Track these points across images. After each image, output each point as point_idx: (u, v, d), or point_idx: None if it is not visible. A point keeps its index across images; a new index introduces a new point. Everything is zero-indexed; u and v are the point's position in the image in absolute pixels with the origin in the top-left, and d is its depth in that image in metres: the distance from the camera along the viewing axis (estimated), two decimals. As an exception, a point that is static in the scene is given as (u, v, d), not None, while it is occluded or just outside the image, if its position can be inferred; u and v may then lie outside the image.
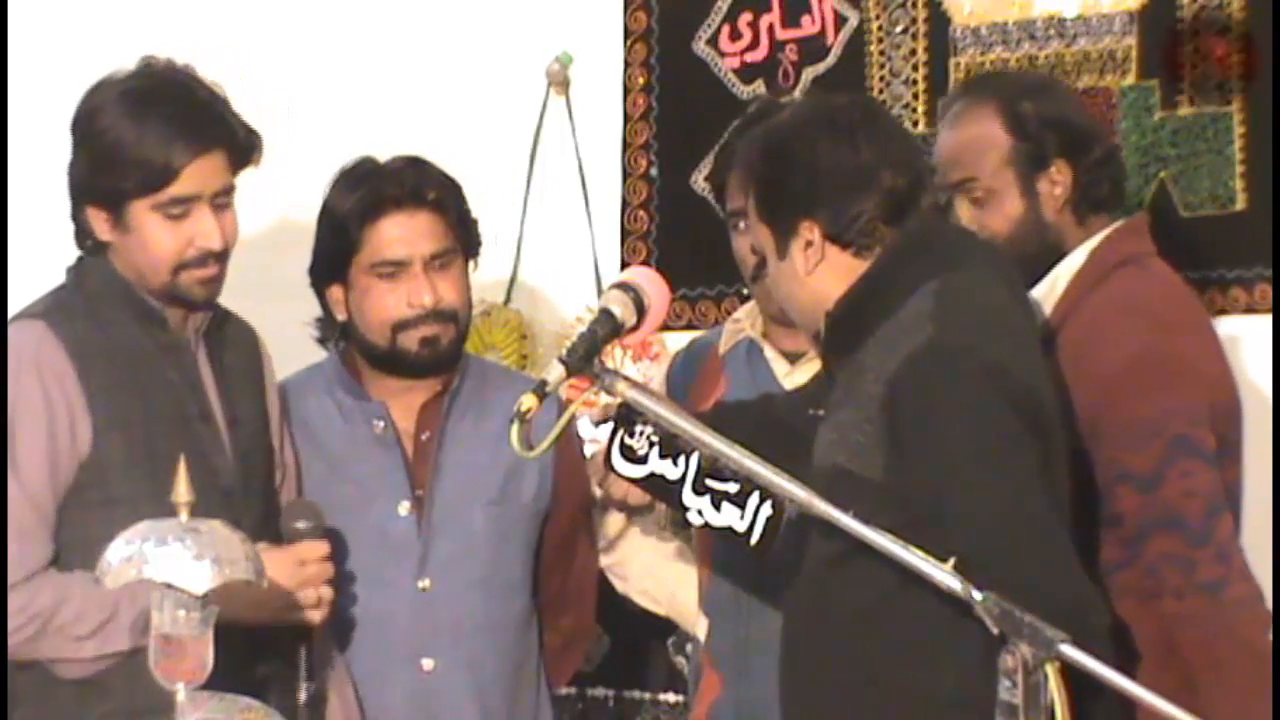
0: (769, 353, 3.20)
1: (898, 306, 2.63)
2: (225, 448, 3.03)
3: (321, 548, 2.96)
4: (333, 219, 3.18)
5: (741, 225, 3.08)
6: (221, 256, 2.99)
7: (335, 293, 3.21)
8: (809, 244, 2.69)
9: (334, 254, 3.19)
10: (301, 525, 2.96)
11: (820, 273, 2.70)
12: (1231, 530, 2.89)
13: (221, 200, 2.98)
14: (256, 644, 2.94)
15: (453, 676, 3.12)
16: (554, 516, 3.27)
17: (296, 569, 2.93)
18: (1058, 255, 3.03)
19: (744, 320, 3.27)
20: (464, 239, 3.21)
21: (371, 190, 3.15)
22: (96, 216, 2.99)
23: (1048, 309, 3.00)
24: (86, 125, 2.99)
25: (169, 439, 2.90)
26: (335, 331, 3.26)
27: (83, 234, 3.04)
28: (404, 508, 3.17)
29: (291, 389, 3.27)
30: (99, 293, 3.01)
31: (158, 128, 2.93)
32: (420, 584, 3.15)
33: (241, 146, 3.00)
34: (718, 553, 3.14)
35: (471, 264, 3.26)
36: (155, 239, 2.96)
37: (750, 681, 3.05)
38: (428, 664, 3.12)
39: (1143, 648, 2.83)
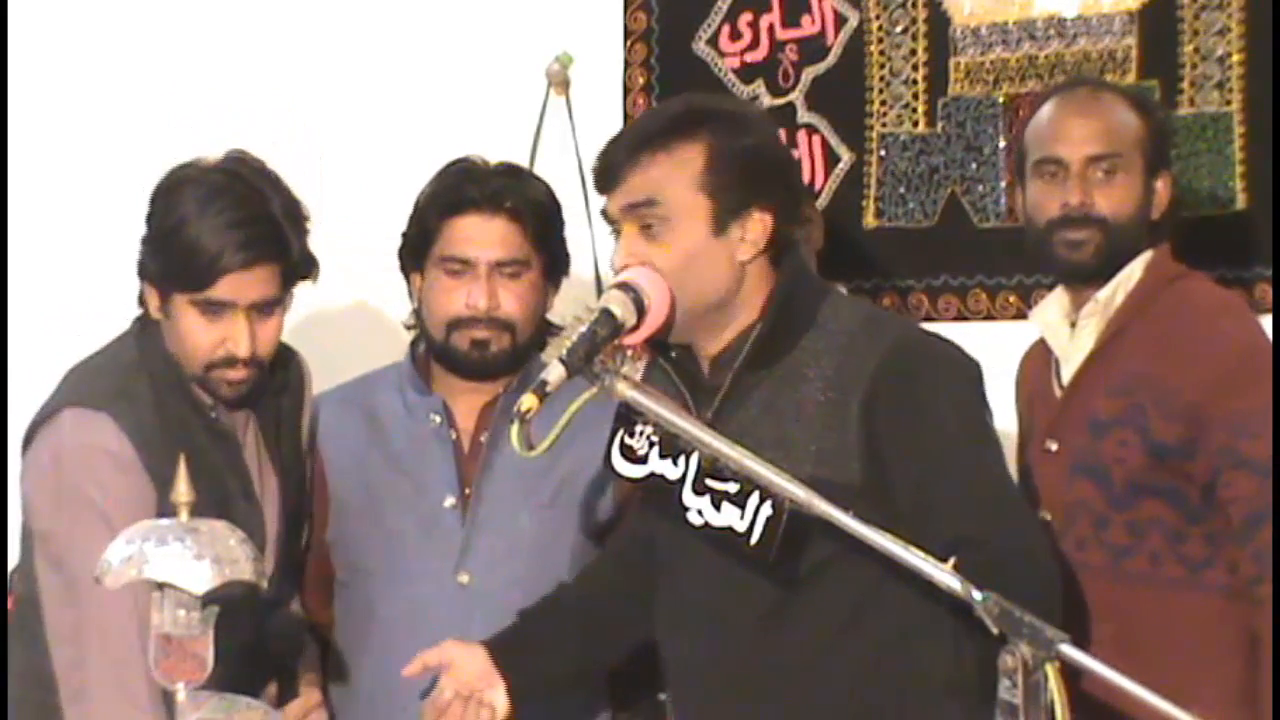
0: None
1: (813, 319, 2.66)
2: (265, 523, 3.07)
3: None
4: (417, 208, 3.26)
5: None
6: (252, 362, 2.99)
7: (415, 279, 3.28)
8: (756, 231, 2.67)
9: (415, 242, 3.25)
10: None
11: (750, 269, 2.69)
12: None
13: (263, 310, 2.99)
14: (265, 663, 2.97)
15: None
16: (618, 528, 3.26)
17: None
18: (1130, 259, 3.10)
19: None
20: (544, 255, 3.23)
21: (454, 187, 3.22)
22: (149, 292, 3.03)
23: (1107, 314, 3.08)
24: (158, 204, 3.01)
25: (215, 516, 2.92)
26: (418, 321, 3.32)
27: (141, 299, 3.06)
28: (450, 501, 3.20)
29: (367, 383, 3.35)
30: (161, 376, 3.02)
31: (213, 230, 2.93)
32: (460, 578, 3.16)
33: (294, 264, 3.00)
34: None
35: (551, 284, 3.27)
36: (190, 333, 2.98)
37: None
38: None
39: (1229, 648, 2.93)
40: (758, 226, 2.67)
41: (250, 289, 2.96)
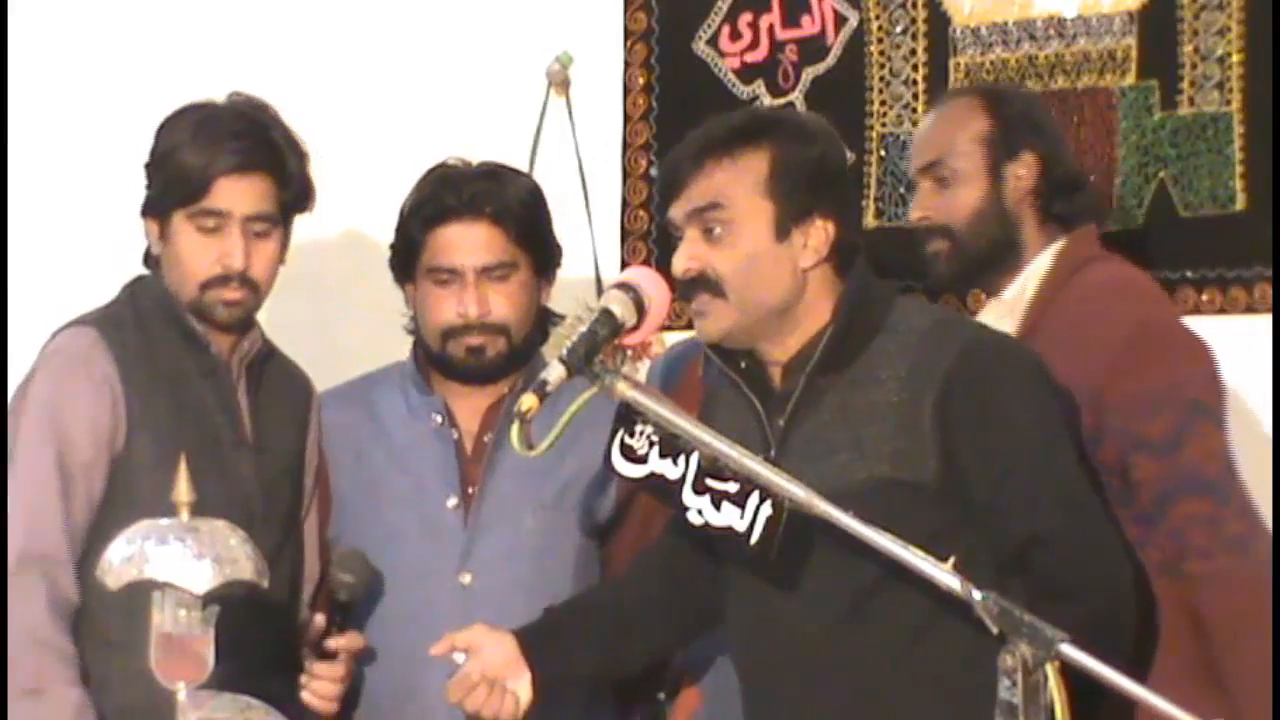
0: None
1: (883, 321, 2.68)
2: (255, 474, 3.08)
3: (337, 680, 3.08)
4: (401, 220, 3.26)
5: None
6: (247, 281, 3.03)
7: (409, 290, 3.28)
8: (818, 239, 2.69)
9: (402, 254, 3.26)
10: (347, 578, 3.06)
11: (813, 276, 2.70)
12: (1245, 488, 2.93)
13: (258, 227, 3.03)
14: (268, 658, 2.97)
15: None
16: (620, 528, 3.27)
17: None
18: (1013, 252, 3.09)
19: None
20: (531, 254, 3.22)
21: (433, 197, 3.21)
22: (151, 228, 3.08)
23: (1019, 311, 3.06)
24: (158, 135, 3.08)
25: (200, 457, 2.90)
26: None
27: (147, 250, 3.12)
28: (452, 501, 3.20)
29: (370, 382, 3.36)
30: (149, 309, 3.07)
31: (205, 141, 3.01)
32: (462, 579, 3.17)
33: (290, 179, 3.05)
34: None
35: (544, 279, 3.26)
36: (187, 250, 3.03)
37: (729, 696, 3.03)
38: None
39: (1174, 625, 2.89)
40: (820, 234, 2.69)
41: (245, 198, 3.01)
